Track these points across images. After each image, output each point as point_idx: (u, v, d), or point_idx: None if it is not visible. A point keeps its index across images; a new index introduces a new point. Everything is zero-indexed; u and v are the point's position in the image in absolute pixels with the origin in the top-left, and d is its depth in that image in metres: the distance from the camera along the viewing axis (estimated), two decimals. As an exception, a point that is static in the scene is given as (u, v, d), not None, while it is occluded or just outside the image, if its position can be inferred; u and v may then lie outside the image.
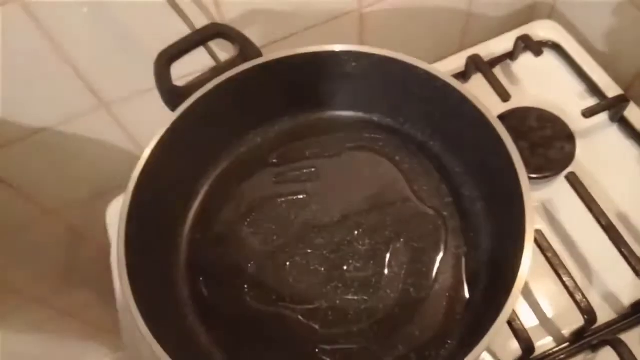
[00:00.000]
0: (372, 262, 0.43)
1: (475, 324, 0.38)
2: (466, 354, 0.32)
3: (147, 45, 0.46)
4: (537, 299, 0.45)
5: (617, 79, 0.56)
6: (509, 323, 0.41)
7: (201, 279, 0.44)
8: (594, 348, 0.43)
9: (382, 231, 0.44)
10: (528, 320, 0.44)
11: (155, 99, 0.43)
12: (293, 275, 0.43)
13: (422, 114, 0.47)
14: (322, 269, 0.43)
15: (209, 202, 0.47)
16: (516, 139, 0.39)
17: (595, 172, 0.50)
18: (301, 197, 0.46)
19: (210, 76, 0.44)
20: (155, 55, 0.43)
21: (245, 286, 0.43)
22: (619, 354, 0.40)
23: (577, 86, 0.57)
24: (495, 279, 0.40)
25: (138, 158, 0.41)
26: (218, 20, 0.52)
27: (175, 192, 0.45)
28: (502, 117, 0.51)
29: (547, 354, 0.43)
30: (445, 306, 0.41)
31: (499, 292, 0.34)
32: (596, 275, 0.46)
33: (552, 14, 0.66)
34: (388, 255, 0.43)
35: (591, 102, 0.55)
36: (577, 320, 0.42)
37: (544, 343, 0.43)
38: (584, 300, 0.42)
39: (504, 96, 0.53)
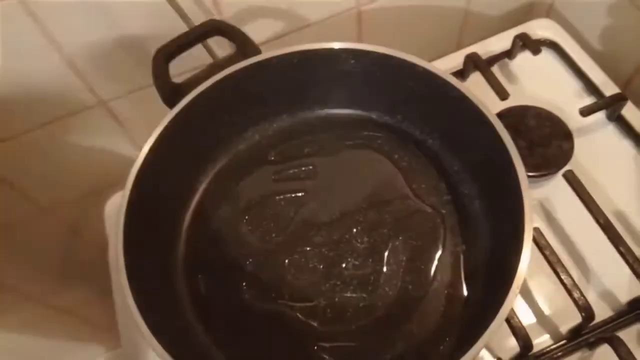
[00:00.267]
0: (370, 260, 0.43)
1: (473, 321, 0.38)
2: (465, 351, 0.33)
3: (145, 42, 0.45)
4: (535, 296, 0.45)
5: (614, 78, 0.56)
6: (507, 320, 0.41)
7: (199, 276, 0.44)
8: (592, 345, 0.43)
9: (381, 229, 0.44)
10: (526, 317, 0.44)
11: (153, 96, 0.43)
12: (291, 272, 0.43)
13: (421, 111, 0.47)
14: (321, 267, 0.43)
15: (207, 199, 0.47)
16: (514, 137, 0.39)
17: (592, 170, 0.51)
18: (300, 194, 0.46)
19: (209, 73, 0.44)
20: (152, 52, 0.43)
21: (244, 284, 0.43)
22: (617, 352, 0.40)
23: (575, 85, 0.57)
24: (493, 276, 0.40)
25: (136, 155, 0.40)
26: (216, 17, 0.52)
27: (173, 189, 0.45)
28: (500, 116, 0.51)
29: (544, 351, 0.43)
30: (444, 304, 0.41)
31: (498, 290, 0.34)
32: (593, 273, 0.46)
33: (550, 12, 0.66)
34: (386, 253, 0.43)
35: (589, 100, 0.55)
36: (574, 318, 0.42)
37: (541, 340, 0.44)
38: (582, 297, 0.42)
39: (502, 94, 0.53)
